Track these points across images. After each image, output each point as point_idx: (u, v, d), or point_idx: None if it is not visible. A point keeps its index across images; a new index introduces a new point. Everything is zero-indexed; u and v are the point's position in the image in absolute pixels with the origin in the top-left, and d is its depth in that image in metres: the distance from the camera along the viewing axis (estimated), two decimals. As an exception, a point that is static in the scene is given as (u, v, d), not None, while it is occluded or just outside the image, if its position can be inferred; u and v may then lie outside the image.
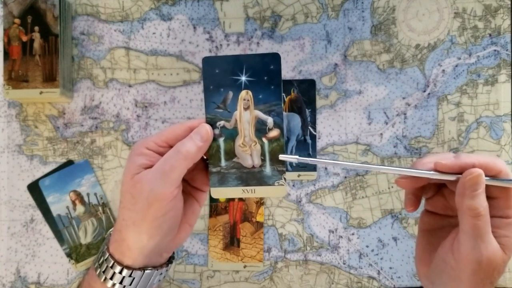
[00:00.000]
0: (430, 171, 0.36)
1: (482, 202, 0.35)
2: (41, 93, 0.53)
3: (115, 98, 0.57)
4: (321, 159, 0.39)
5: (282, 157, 0.38)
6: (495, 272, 0.36)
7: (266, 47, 0.56)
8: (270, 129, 0.39)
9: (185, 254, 0.56)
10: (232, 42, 0.56)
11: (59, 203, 0.55)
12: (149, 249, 0.38)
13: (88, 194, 0.56)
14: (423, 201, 0.41)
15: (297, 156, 0.38)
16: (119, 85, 0.57)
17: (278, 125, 0.39)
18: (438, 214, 0.40)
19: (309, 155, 0.55)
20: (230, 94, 0.39)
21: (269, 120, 0.39)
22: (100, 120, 0.56)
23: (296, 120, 0.55)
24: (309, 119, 0.56)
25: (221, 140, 0.39)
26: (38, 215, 0.56)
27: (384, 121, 0.56)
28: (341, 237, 0.56)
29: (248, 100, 0.39)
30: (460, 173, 0.36)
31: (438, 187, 0.40)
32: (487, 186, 0.36)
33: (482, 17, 0.55)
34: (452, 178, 0.36)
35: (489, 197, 0.36)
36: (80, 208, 0.56)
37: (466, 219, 0.35)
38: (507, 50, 0.55)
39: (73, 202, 0.56)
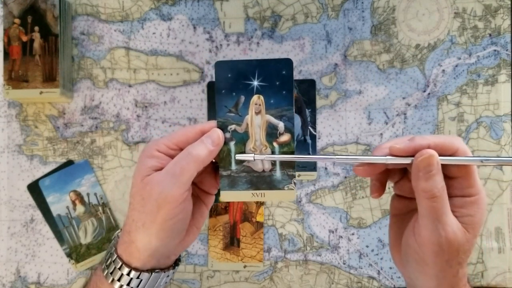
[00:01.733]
0: (386, 156, 0.36)
1: (436, 184, 0.34)
2: (41, 93, 0.53)
3: (115, 98, 0.57)
4: (275, 155, 0.39)
5: (238, 156, 0.39)
6: (461, 253, 0.35)
7: (266, 47, 0.56)
8: (281, 134, 0.39)
9: (185, 254, 0.56)
10: (232, 42, 0.56)
11: (59, 203, 0.55)
12: (158, 251, 0.38)
13: (88, 194, 0.56)
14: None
15: (253, 155, 0.38)
16: (119, 85, 0.57)
17: (289, 129, 0.39)
18: (406, 198, 0.40)
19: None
20: (242, 98, 0.39)
21: (280, 125, 0.39)
22: (100, 120, 0.56)
23: (296, 120, 0.55)
24: (309, 119, 0.56)
25: (232, 144, 0.39)
26: (38, 215, 0.56)
27: (384, 121, 0.56)
28: (341, 237, 0.56)
29: (259, 105, 0.39)
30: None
31: (404, 170, 0.39)
32: (446, 166, 0.35)
33: (482, 17, 0.55)
34: (407, 161, 0.35)
35: (450, 177, 0.36)
36: (80, 208, 0.56)
37: (423, 201, 0.35)
38: (507, 50, 0.55)
39: (73, 202, 0.56)
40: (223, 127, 0.39)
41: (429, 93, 0.56)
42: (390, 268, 0.55)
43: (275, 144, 0.39)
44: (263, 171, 0.39)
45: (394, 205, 0.41)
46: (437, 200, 0.34)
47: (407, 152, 0.35)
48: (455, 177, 0.36)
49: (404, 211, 0.40)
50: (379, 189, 0.39)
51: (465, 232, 0.35)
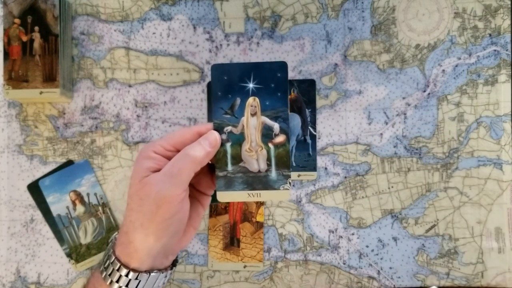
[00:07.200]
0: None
1: None
2: (41, 93, 0.53)
3: (115, 98, 0.57)
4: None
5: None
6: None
7: (266, 47, 0.56)
8: (276, 135, 0.40)
9: (185, 254, 0.56)
10: (232, 42, 0.56)
11: (59, 203, 0.55)
12: (156, 251, 0.38)
13: (88, 194, 0.56)
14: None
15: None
16: (119, 85, 0.57)
17: (284, 130, 0.40)
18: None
19: (308, 155, 0.55)
20: (238, 100, 0.40)
21: (276, 126, 0.40)
22: (100, 120, 0.56)
23: (296, 120, 0.55)
24: (309, 119, 0.56)
25: (228, 145, 0.40)
26: (38, 215, 0.56)
27: (384, 121, 0.56)
28: (341, 237, 0.56)
29: (255, 107, 0.40)
30: None
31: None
32: None
33: (482, 17, 0.55)
34: None
35: None
36: (80, 208, 0.56)
37: None
38: (507, 50, 0.55)
39: (73, 202, 0.56)
40: (219, 129, 0.40)
41: (429, 93, 0.56)
42: (390, 268, 0.55)
43: (270, 145, 0.40)
44: (259, 171, 0.40)
45: None
46: None
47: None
48: None
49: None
50: None
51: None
